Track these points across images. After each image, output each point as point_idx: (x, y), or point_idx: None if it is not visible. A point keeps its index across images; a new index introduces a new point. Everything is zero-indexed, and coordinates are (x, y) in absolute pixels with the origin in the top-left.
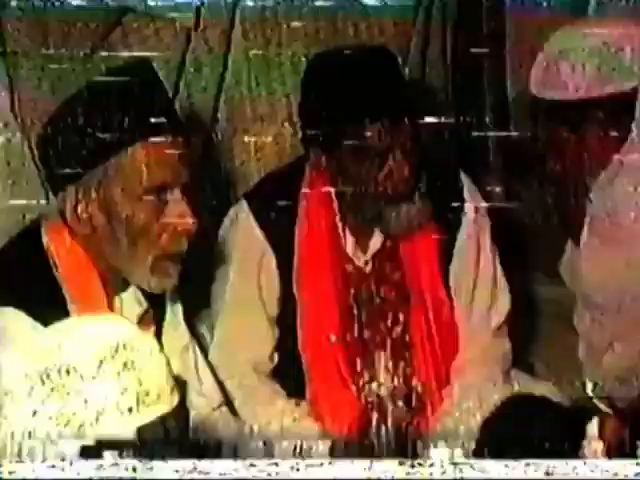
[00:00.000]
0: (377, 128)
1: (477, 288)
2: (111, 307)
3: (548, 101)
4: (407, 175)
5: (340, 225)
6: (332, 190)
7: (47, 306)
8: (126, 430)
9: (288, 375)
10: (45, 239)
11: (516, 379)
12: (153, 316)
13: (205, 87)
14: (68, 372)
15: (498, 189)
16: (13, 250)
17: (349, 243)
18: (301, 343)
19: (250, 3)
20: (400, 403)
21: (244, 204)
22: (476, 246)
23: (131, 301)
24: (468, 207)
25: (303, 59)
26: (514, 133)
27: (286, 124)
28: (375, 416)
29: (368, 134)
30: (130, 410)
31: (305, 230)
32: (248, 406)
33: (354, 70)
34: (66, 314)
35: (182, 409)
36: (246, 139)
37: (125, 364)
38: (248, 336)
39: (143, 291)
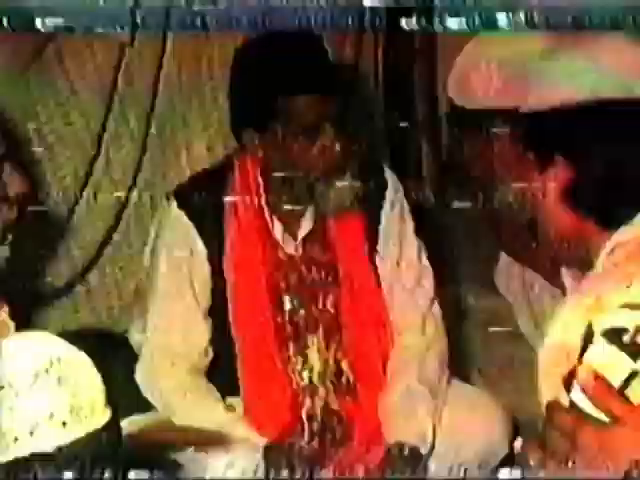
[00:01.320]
0: (305, 100)
1: (401, 268)
2: None
3: (462, 108)
4: (339, 150)
5: (268, 213)
6: (260, 179)
7: None
8: (60, 444)
9: (221, 370)
10: None
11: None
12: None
13: (138, 101)
14: (2, 387)
15: (427, 192)
16: None
17: (278, 230)
18: (234, 332)
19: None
20: (330, 386)
21: (172, 199)
22: (399, 229)
23: None
24: (389, 192)
25: None
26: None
27: (215, 135)
28: (307, 400)
29: (297, 105)
30: (64, 424)
31: (234, 220)
32: (182, 411)
33: (281, 50)
34: None
35: (115, 423)
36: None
37: (59, 379)
38: (182, 328)
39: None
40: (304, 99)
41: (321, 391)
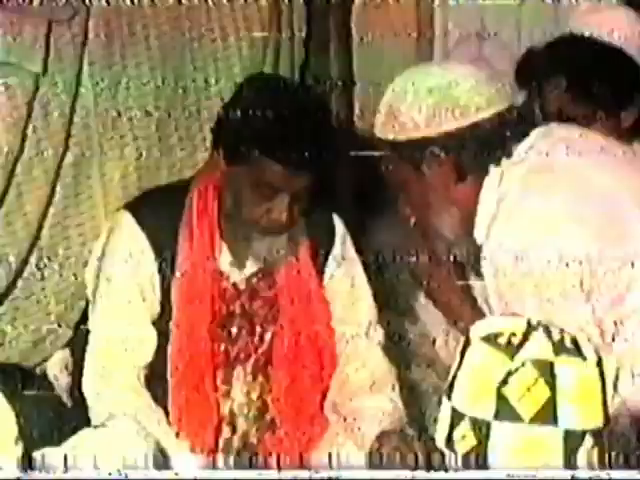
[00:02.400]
0: (281, 171)
1: (353, 305)
2: None
3: (391, 141)
4: (284, 220)
5: (218, 241)
6: (216, 208)
7: None
8: None
9: (157, 382)
10: None
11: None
12: None
13: (52, 133)
14: None
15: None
16: None
17: (225, 260)
18: (172, 351)
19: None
20: (252, 419)
21: (126, 212)
22: (349, 270)
23: None
24: (337, 238)
25: (151, 103)
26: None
27: (131, 168)
28: (226, 430)
29: (272, 169)
30: None
31: (187, 241)
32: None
33: (283, 106)
34: None
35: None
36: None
37: None
38: (130, 337)
39: None
40: (280, 169)
41: (240, 422)
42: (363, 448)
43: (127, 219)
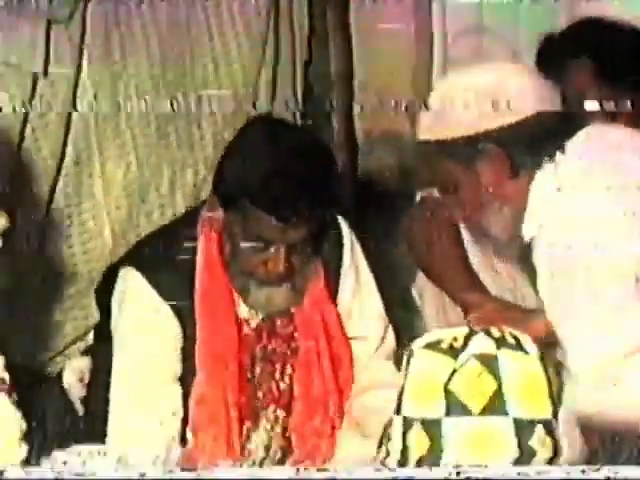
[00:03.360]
0: (280, 227)
1: (367, 326)
2: None
3: (438, 142)
4: (281, 270)
5: (233, 292)
6: (220, 255)
7: None
8: None
9: None
10: None
11: None
12: None
13: (52, 132)
14: None
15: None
16: None
17: (242, 308)
18: (196, 405)
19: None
20: (276, 452)
21: (136, 272)
22: (359, 287)
23: None
24: (346, 246)
25: (150, 102)
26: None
27: (133, 167)
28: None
29: (266, 222)
30: None
31: (202, 292)
32: None
33: (281, 155)
34: None
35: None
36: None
37: None
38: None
39: None
40: (279, 226)
41: (261, 456)
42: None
43: (138, 281)
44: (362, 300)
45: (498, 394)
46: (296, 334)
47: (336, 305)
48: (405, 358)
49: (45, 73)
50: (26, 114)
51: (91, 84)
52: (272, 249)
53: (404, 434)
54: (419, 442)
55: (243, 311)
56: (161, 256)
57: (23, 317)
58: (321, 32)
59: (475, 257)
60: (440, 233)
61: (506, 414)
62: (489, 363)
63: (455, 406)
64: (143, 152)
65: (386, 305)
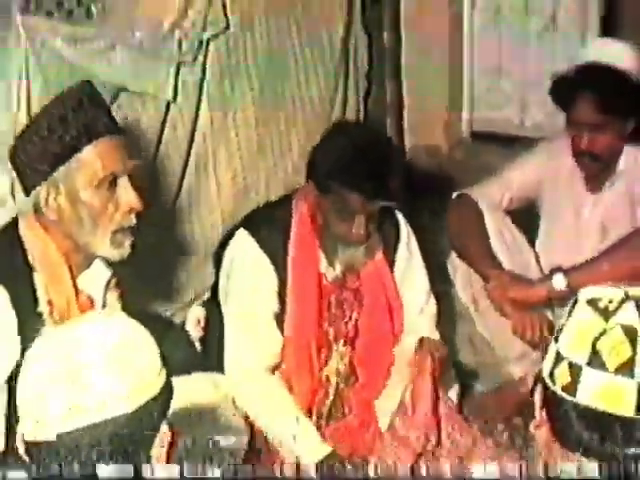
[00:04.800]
0: (358, 199)
1: (416, 289)
2: (75, 284)
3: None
4: (362, 235)
5: (317, 251)
6: (312, 227)
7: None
8: (122, 412)
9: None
10: (22, 231)
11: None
12: (117, 283)
13: (179, 144)
14: (81, 367)
15: None
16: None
17: (323, 264)
18: (288, 334)
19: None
20: (342, 381)
21: (247, 235)
22: (411, 258)
23: (95, 274)
24: (402, 229)
25: (253, 120)
26: None
27: (238, 171)
28: (323, 390)
29: (352, 198)
30: (128, 397)
31: (296, 254)
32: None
33: (360, 148)
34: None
35: (168, 389)
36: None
37: (124, 359)
38: (259, 339)
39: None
40: (360, 198)
41: (334, 383)
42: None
43: (249, 241)
44: (412, 273)
45: (631, 360)
46: (361, 288)
47: (392, 272)
48: (571, 303)
49: (174, 100)
50: (161, 132)
51: (208, 107)
52: (356, 220)
53: (554, 363)
54: (562, 375)
55: (323, 267)
56: (265, 222)
57: (157, 278)
58: (378, 69)
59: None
60: (469, 222)
61: (632, 377)
62: (631, 335)
63: (597, 360)
64: (247, 158)
65: (429, 276)
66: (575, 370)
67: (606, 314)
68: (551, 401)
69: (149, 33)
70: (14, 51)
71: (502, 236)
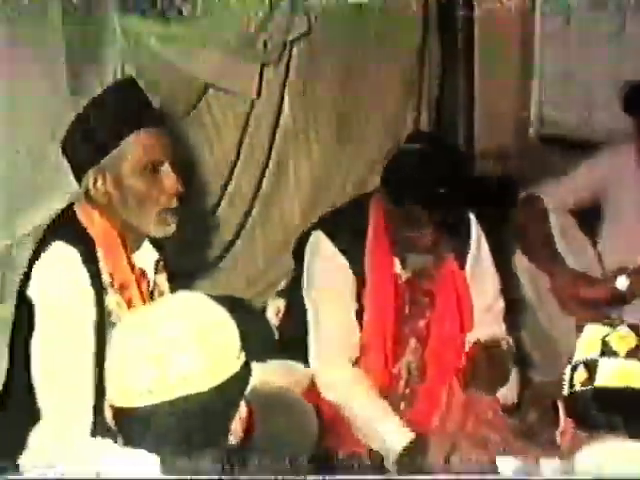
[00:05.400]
0: (429, 216)
1: (486, 287)
2: (130, 261)
3: None
4: (429, 245)
5: (392, 252)
6: (387, 229)
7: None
8: (202, 389)
9: None
10: (78, 215)
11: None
12: (165, 265)
13: (261, 140)
14: (165, 343)
15: None
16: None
17: (397, 265)
18: (365, 329)
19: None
20: (415, 373)
21: (324, 236)
22: (481, 258)
23: (146, 253)
24: (473, 230)
25: (333, 119)
26: None
27: (317, 169)
28: (395, 385)
29: (419, 212)
30: (207, 374)
31: (372, 254)
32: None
33: (429, 165)
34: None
35: (247, 370)
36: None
37: (205, 339)
38: (342, 330)
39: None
40: (427, 212)
41: (404, 378)
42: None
43: (325, 243)
44: (482, 272)
45: (637, 348)
46: (434, 289)
47: (463, 271)
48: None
49: (258, 98)
50: (244, 128)
51: (290, 106)
52: (423, 230)
53: (571, 375)
54: (579, 376)
55: (397, 269)
56: (342, 224)
57: (237, 265)
58: (450, 75)
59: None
60: (535, 221)
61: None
62: (636, 331)
63: (608, 350)
64: (326, 157)
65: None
66: (590, 365)
67: (612, 325)
68: (572, 401)
69: (236, 33)
70: (110, 49)
71: (566, 236)
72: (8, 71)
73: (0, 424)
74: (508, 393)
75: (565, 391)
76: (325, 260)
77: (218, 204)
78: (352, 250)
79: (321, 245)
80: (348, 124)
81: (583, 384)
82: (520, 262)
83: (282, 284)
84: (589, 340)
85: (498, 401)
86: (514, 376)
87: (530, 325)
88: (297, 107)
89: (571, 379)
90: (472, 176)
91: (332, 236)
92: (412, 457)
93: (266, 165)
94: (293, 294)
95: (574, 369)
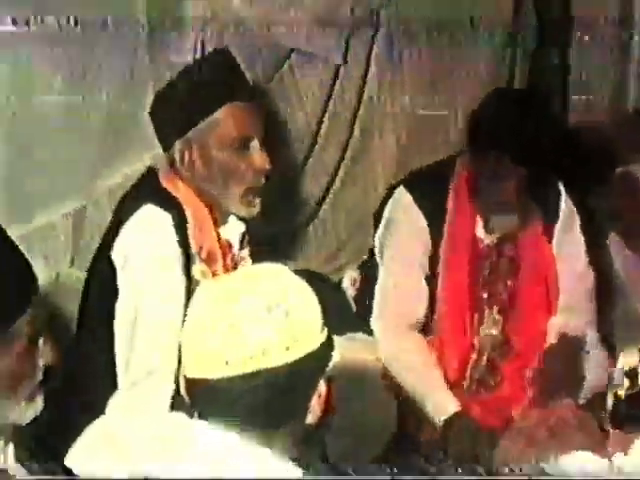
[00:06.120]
0: (510, 164)
1: (573, 265)
2: (217, 232)
3: None
4: (513, 201)
5: (474, 215)
6: (471, 189)
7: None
8: (281, 363)
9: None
10: (163, 182)
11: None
12: (249, 240)
13: (346, 107)
14: (244, 314)
15: None
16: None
17: (479, 228)
18: (440, 295)
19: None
20: (496, 345)
21: (406, 192)
22: (571, 231)
23: (232, 228)
24: (563, 201)
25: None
26: None
27: (403, 139)
28: (474, 356)
29: (502, 161)
30: (287, 348)
31: (453, 214)
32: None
33: (515, 111)
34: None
35: (329, 345)
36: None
37: (287, 313)
38: (409, 292)
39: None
40: (510, 161)
41: (486, 351)
42: None
43: (407, 199)
44: (571, 245)
45: None
46: (518, 256)
47: (551, 244)
48: None
49: (344, 64)
50: (329, 95)
51: (376, 73)
52: (505, 184)
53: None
54: (624, 388)
55: (480, 231)
56: (425, 181)
57: (318, 237)
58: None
59: None
60: (631, 197)
61: None
62: None
63: None
64: (412, 123)
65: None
66: (631, 373)
67: None
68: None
69: None
70: (192, 14)
71: None
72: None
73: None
74: (587, 391)
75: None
76: (404, 217)
77: (300, 175)
78: (434, 208)
79: (402, 201)
80: (437, 92)
81: (628, 389)
82: (614, 241)
83: (363, 258)
84: (626, 354)
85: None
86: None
87: (622, 312)
88: (384, 74)
89: (615, 399)
90: (566, 141)
91: (414, 192)
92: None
93: (350, 134)
94: (371, 265)
95: (613, 386)
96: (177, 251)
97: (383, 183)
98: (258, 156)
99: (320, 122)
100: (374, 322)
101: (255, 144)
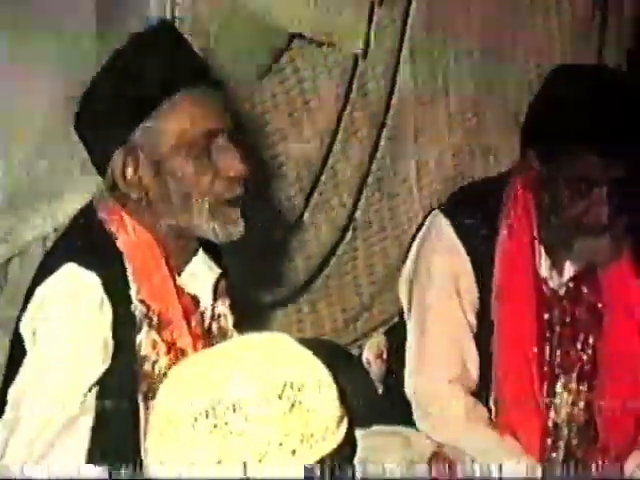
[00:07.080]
0: (597, 161)
1: None
2: (175, 284)
3: None
4: (604, 217)
5: (537, 247)
6: (533, 210)
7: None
8: (288, 472)
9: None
10: (102, 215)
11: None
12: (227, 287)
13: (369, 110)
14: (234, 410)
15: None
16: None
17: (544, 265)
18: (496, 358)
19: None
20: (575, 430)
21: (443, 217)
22: None
23: (200, 270)
24: None
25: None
26: None
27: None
28: (550, 440)
29: (588, 163)
30: (294, 452)
31: (506, 248)
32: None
33: (592, 94)
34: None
35: (347, 444)
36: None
37: (292, 404)
38: (455, 349)
39: (213, 259)
40: (600, 161)
41: (565, 433)
42: None
43: (444, 227)
44: None
45: None
46: (600, 302)
47: None
48: None
49: (365, 55)
50: (346, 94)
51: (410, 66)
52: (594, 194)
53: None
54: None
55: (544, 269)
56: (470, 203)
57: (330, 294)
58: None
59: None
60: None
61: None
62: None
63: None
64: (459, 136)
65: None
66: None
67: None
68: None
69: None
70: None
71: None
72: None
73: None
74: None
75: None
76: (438, 250)
77: (304, 206)
78: (479, 240)
79: (439, 230)
80: (489, 90)
81: None
82: None
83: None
84: None
85: None
86: None
87: None
88: (422, 68)
89: None
90: None
91: (454, 218)
92: None
93: (375, 147)
94: (400, 326)
95: None
96: (106, 330)
97: (420, 210)
98: (226, 157)
99: (333, 133)
100: (412, 380)
101: (222, 142)
